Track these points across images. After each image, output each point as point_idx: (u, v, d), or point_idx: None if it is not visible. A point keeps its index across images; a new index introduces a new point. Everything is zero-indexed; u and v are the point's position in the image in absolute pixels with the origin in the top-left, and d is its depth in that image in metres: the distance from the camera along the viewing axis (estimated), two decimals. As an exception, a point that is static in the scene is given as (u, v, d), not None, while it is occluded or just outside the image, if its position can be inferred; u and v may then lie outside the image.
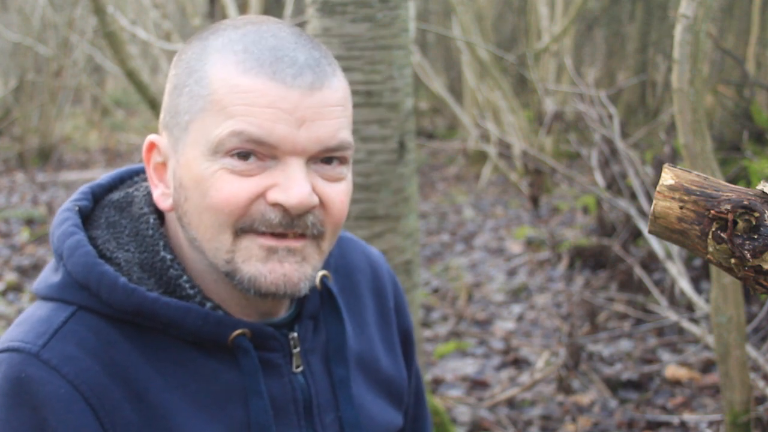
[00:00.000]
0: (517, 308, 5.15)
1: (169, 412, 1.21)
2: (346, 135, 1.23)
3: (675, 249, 4.24)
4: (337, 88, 1.23)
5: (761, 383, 3.22)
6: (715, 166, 2.39)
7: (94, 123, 14.23)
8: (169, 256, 1.27)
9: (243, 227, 1.21)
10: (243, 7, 5.37)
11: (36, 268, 6.23)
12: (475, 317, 4.99)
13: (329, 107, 1.21)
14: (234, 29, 1.23)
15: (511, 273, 5.94)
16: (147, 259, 1.27)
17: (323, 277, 1.37)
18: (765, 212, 1.06)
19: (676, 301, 4.41)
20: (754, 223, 1.07)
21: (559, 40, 8.72)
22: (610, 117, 5.39)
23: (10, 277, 5.99)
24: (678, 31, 2.30)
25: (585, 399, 3.75)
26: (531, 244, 6.58)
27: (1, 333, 4.18)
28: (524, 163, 7.08)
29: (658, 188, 1.11)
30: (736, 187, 1.10)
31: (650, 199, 4.67)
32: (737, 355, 2.54)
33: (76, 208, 1.30)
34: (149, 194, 1.32)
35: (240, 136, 1.18)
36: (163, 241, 1.28)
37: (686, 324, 3.92)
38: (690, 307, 4.35)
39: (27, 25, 11.41)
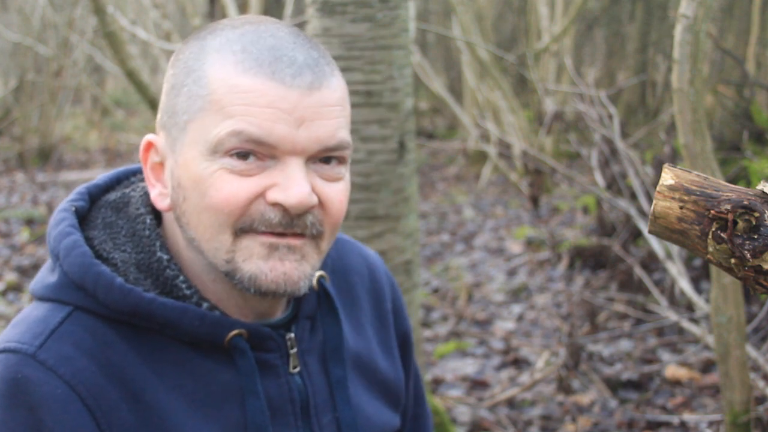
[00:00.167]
0: (517, 308, 5.15)
1: (166, 413, 1.21)
2: (344, 135, 1.23)
3: (675, 249, 4.24)
4: (336, 88, 1.23)
5: (761, 383, 3.21)
6: (715, 166, 2.39)
7: (94, 123, 14.23)
8: (165, 257, 1.27)
9: (243, 227, 1.20)
10: (243, 7, 5.36)
11: (36, 268, 6.23)
12: (475, 317, 4.99)
13: (328, 107, 1.21)
14: (232, 29, 1.23)
15: (511, 273, 5.94)
16: (144, 260, 1.27)
17: (320, 278, 1.37)
18: (765, 212, 1.06)
19: (676, 301, 4.40)
20: (754, 223, 1.06)
21: (559, 40, 8.71)
22: (610, 117, 5.39)
23: (10, 277, 5.99)
24: (678, 31, 2.30)
25: (585, 399, 3.74)
26: (531, 244, 6.57)
27: (0, 333, 4.17)
28: (524, 163, 7.08)
29: (658, 188, 1.11)
30: (736, 187, 1.10)
31: (650, 199, 4.66)
32: (737, 355, 2.54)
33: (73, 209, 1.30)
34: (146, 194, 1.32)
35: (239, 135, 1.18)
36: (160, 242, 1.27)
37: (686, 324, 3.92)
38: (690, 307, 4.35)
39: (27, 25, 11.41)
